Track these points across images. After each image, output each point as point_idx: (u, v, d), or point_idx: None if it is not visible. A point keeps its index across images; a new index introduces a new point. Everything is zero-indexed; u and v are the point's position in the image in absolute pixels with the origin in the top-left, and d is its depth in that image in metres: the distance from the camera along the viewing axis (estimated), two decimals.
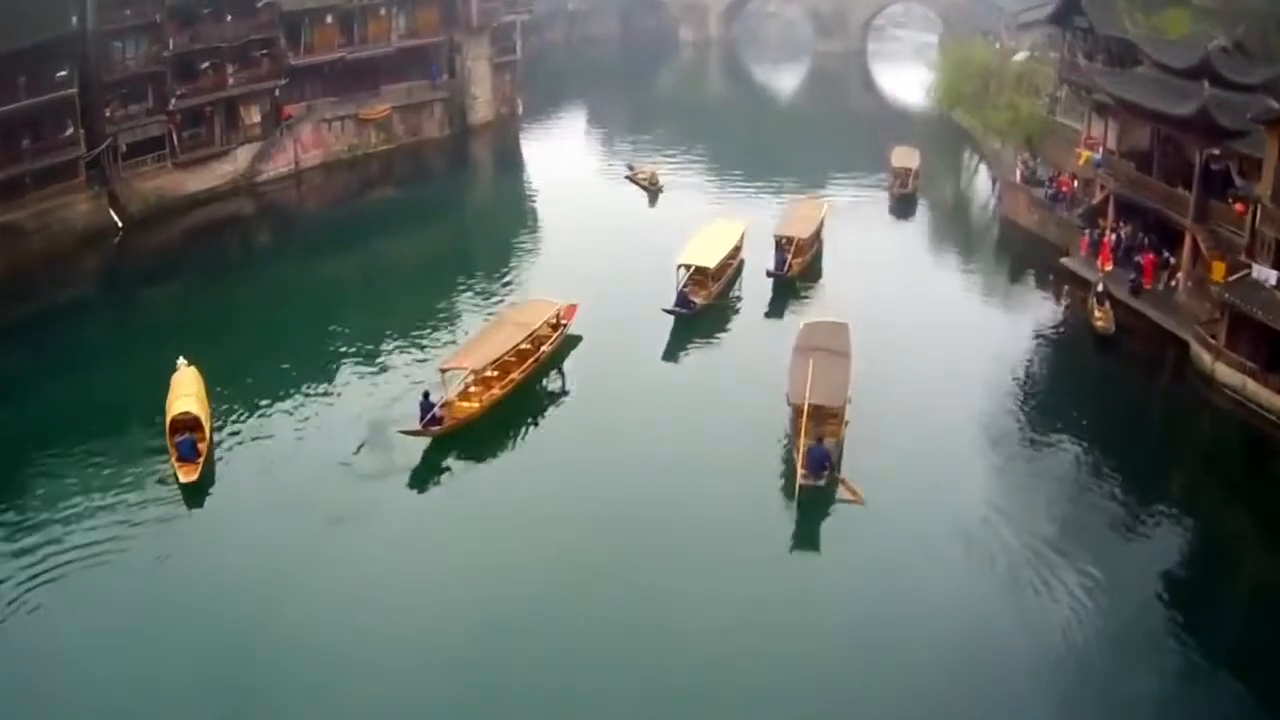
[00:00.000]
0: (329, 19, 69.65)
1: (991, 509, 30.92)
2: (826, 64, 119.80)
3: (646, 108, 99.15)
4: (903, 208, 62.55)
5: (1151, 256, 44.52)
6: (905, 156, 66.26)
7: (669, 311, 43.43)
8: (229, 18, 63.86)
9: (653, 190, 64.84)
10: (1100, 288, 43.94)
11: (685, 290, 44.98)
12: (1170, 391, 40.41)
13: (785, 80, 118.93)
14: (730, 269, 48.95)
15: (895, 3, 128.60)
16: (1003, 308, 48.30)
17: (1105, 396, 39.53)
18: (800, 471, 30.69)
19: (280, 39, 66.71)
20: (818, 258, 52.49)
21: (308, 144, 68.61)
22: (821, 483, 30.84)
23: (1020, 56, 76.47)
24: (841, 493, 31.47)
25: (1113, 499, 32.11)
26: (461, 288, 49.77)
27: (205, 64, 63.04)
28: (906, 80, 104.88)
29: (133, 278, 54.85)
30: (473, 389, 36.99)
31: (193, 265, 55.77)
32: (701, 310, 44.78)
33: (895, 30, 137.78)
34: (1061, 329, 45.94)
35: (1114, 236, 47.01)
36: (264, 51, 66.05)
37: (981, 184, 69.97)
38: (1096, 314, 42.72)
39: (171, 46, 60.75)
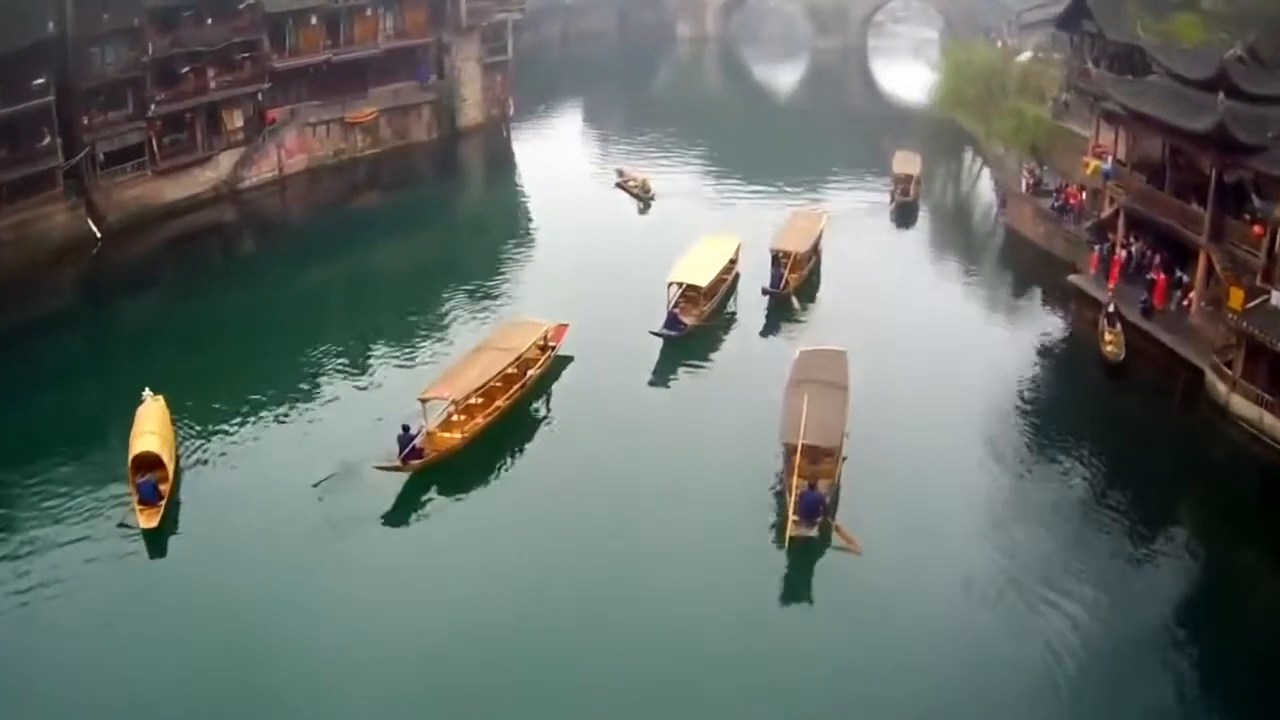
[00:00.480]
0: (313, 20, 67.94)
1: (997, 558, 29.40)
2: (825, 61, 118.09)
3: (642, 107, 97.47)
4: (904, 216, 60.94)
5: (1164, 278, 42.74)
6: (906, 162, 64.74)
7: (657, 334, 41.95)
8: (210, 20, 62.11)
9: (645, 199, 63.02)
10: (1111, 308, 42.25)
11: (675, 310, 43.46)
12: (1183, 423, 38.51)
13: (783, 77, 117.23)
14: (724, 285, 47.43)
15: None
16: (1008, 330, 46.30)
17: (1114, 428, 37.75)
18: (792, 518, 29.02)
19: (263, 41, 65.08)
20: (815, 272, 51.05)
21: (292, 149, 67.01)
22: (814, 533, 29.13)
23: (1024, 57, 74.86)
24: (836, 539, 29.84)
25: (1123, 544, 30.55)
26: (446, 304, 48.19)
27: (186, 68, 61.33)
28: (907, 78, 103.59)
29: (108, 292, 53.37)
30: (455, 418, 35.44)
31: (170, 279, 54.43)
32: (693, 331, 43.27)
33: (895, 26, 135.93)
34: (1069, 353, 44.20)
35: (1124, 254, 45.28)
36: (246, 54, 64.42)
37: (984, 191, 68.22)
38: (1106, 338, 41.00)
39: (151, 51, 59.12)
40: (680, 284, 44.56)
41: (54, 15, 54.05)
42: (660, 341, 42.05)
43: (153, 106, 59.60)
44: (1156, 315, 41.81)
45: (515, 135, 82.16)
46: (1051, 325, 47.03)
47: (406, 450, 32.82)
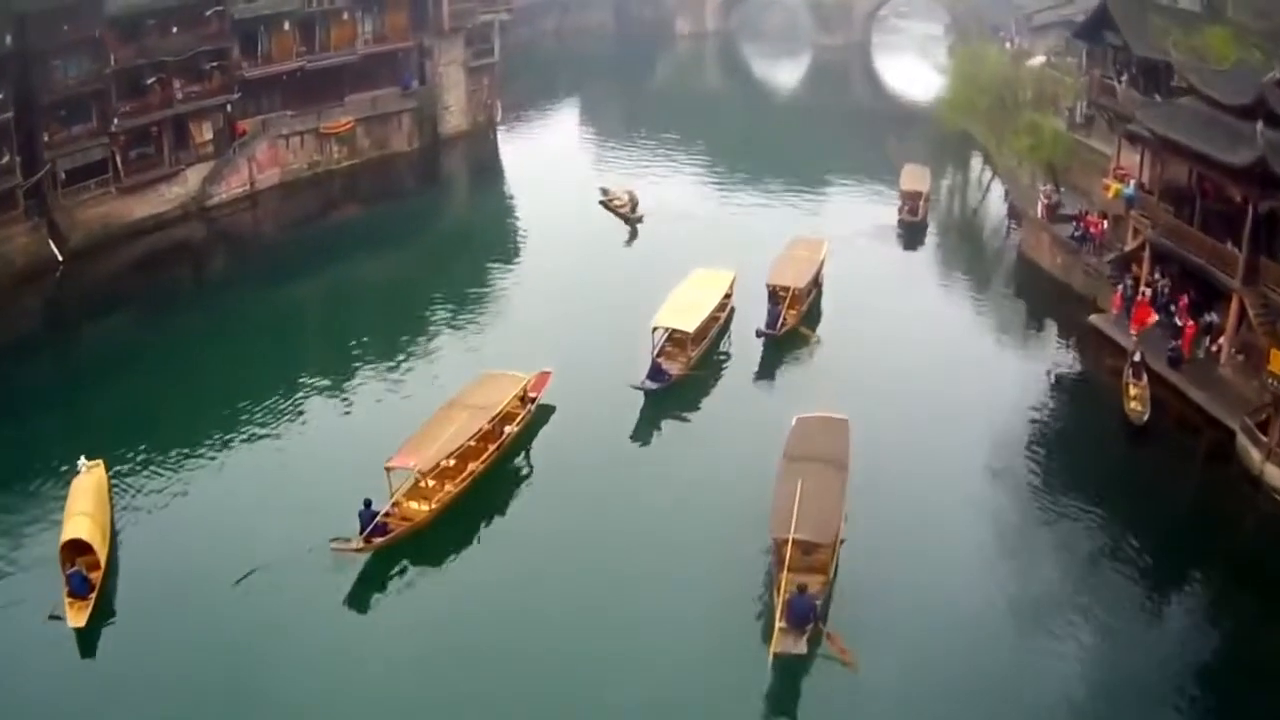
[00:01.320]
0: (286, 25, 65.39)
1: (1010, 666, 26.65)
2: (828, 58, 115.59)
3: (637, 109, 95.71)
4: (911, 237, 58.36)
5: (1193, 325, 40.00)
6: (915, 177, 62.24)
7: (639, 388, 38.95)
8: (175, 29, 59.54)
9: (632, 220, 59.93)
10: (1137, 356, 39.33)
11: (660, 359, 40.65)
12: (1210, 491, 35.52)
13: (785, 76, 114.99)
14: (716, 325, 44.67)
15: None
16: (1022, 381, 42.48)
17: (1137, 498, 34.59)
18: (779, 625, 25.85)
19: (233, 49, 62.59)
20: (816, 306, 48.47)
21: (263, 162, 64.49)
22: (802, 649, 25.77)
23: (1036, 61, 72.39)
24: (828, 647, 26.65)
25: (1149, 651, 27.55)
26: (420, 343, 45.43)
27: (151, 79, 58.79)
28: (913, 79, 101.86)
29: (67, 321, 51.21)
30: (424, 485, 32.83)
31: (132, 307, 51.96)
32: (680, 380, 40.42)
33: (898, 21, 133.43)
34: (1089, 409, 40.90)
35: (1149, 292, 42.51)
36: (215, 63, 61.96)
37: (996, 208, 65.50)
38: (1131, 393, 38.05)
39: (114, 62, 56.52)
40: (666, 329, 41.89)
41: (10, 27, 51.57)
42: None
43: (116, 121, 57.10)
44: (1184, 365, 39.00)
45: (503, 141, 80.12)
46: (1070, 373, 44.02)
47: (369, 528, 30.29)
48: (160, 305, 51.66)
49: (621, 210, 60.76)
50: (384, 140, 70.99)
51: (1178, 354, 39.07)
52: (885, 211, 61.18)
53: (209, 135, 62.44)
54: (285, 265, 56.53)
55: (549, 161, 75.53)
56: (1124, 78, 52.83)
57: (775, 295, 45.32)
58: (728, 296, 45.80)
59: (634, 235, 58.95)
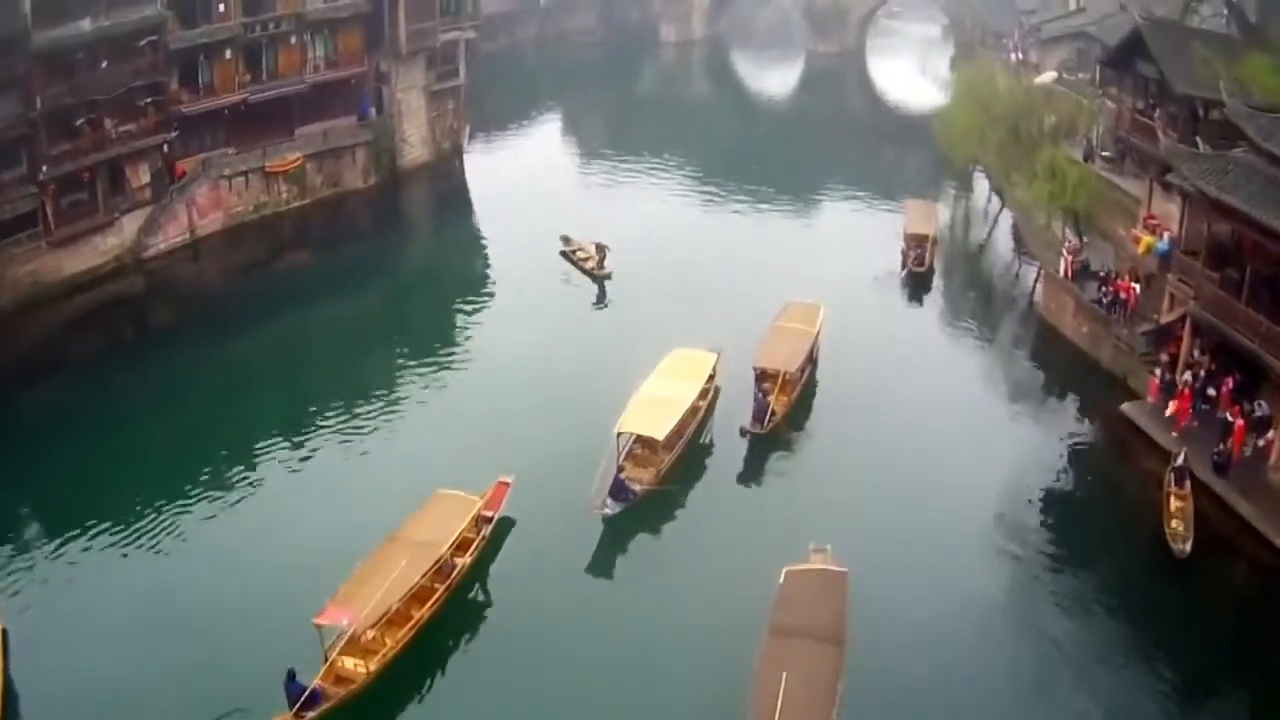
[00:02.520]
0: (228, 54, 61.68)
1: None
2: (822, 66, 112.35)
3: (618, 130, 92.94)
4: (916, 289, 54.95)
5: (1242, 423, 36.16)
6: (920, 218, 59.19)
7: (598, 512, 34.79)
8: (106, 62, 55.77)
9: (599, 276, 55.69)
10: (1180, 459, 35.49)
11: (624, 473, 36.37)
12: (1270, 635, 31.27)
13: (776, 88, 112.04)
14: (694, 421, 40.53)
15: None
16: (1045, 491, 38.09)
17: (1179, 651, 30.63)
18: None
19: (170, 82, 58.91)
20: (810, 388, 44.69)
21: (204, 206, 60.94)
22: None
23: (1047, 77, 69.19)
24: None
25: None
26: (361, 443, 40.96)
27: (81, 119, 55.09)
28: (912, 89, 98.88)
29: None
30: (365, 638, 29.15)
31: (63, 370, 48.67)
32: (647, 496, 36.24)
33: (890, 22, 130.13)
34: (1122, 529, 36.31)
35: (1190, 378, 38.65)
36: (150, 99, 58.23)
37: (1006, 248, 62.06)
38: (1172, 508, 34.10)
39: (40, 104, 52.82)
40: (631, 434, 37.83)
41: None
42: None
43: (45, 168, 53.50)
44: (1233, 470, 35.10)
45: (472, 169, 76.79)
46: (1099, 477, 39.68)
47: (299, 702, 26.70)
48: (91, 371, 48.50)
49: (587, 265, 56.67)
50: (336, 177, 67.38)
51: (1225, 458, 35.15)
52: (887, 256, 57.69)
53: (146, 178, 58.97)
54: (221, 329, 52.39)
55: (521, 192, 71.30)
56: (1158, 113, 49.10)
57: (764, 380, 41.73)
58: (710, 379, 42.07)
59: (603, 294, 54.89)
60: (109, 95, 55.82)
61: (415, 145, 72.29)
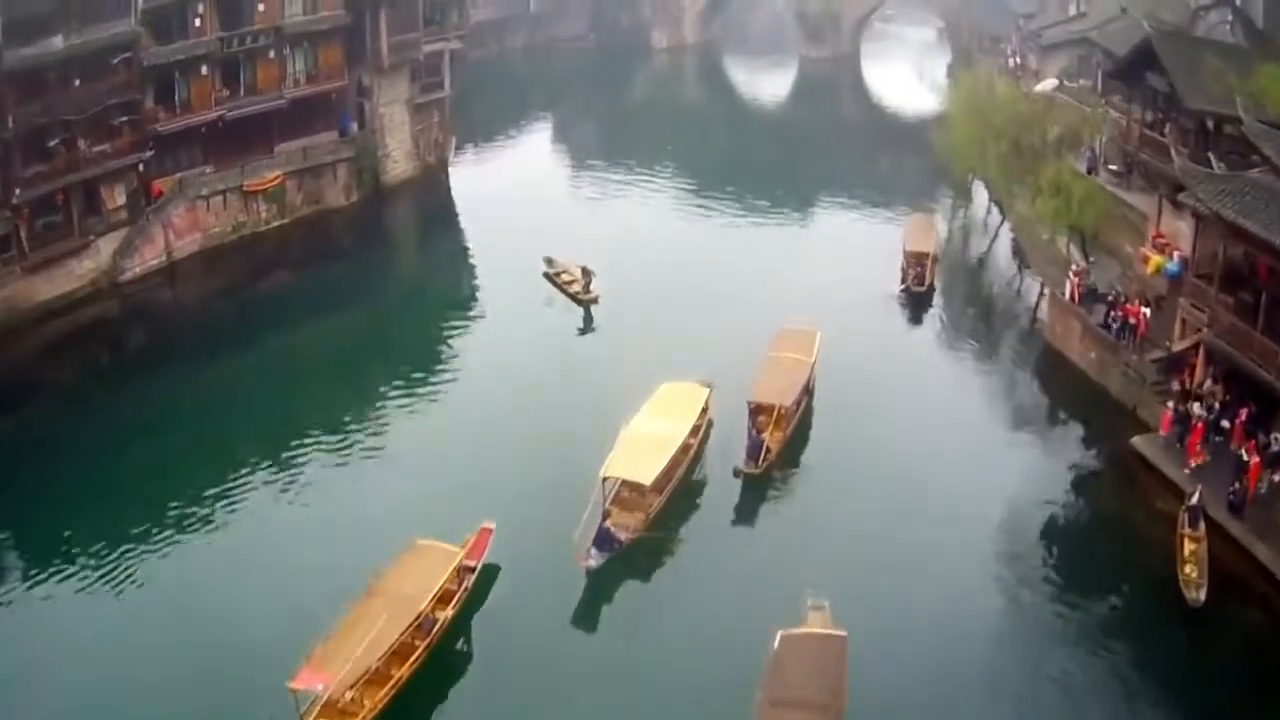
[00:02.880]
0: (204, 69, 60.50)
1: None
2: (816, 72, 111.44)
3: (609, 139, 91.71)
4: (915, 310, 53.90)
5: (1258, 460, 34.80)
6: (920, 234, 58.28)
7: (583, 564, 33.65)
8: (79, 80, 54.62)
9: (584, 301, 54.26)
10: (1195, 499, 34.15)
11: (609, 521, 35.22)
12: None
13: (769, 93, 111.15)
14: (684, 462, 39.06)
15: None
16: (1051, 531, 36.85)
17: (1195, 708, 29.47)
18: None
19: (144, 100, 57.79)
20: (807, 420, 43.36)
21: (181, 228, 59.96)
22: None
23: (1048, 85, 68.17)
24: None
25: None
26: (339, 486, 39.56)
27: (55, 140, 54.11)
28: (908, 95, 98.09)
29: None
30: (342, 701, 27.88)
31: (32, 407, 47.34)
32: (635, 543, 35.09)
33: (884, 26, 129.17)
34: (1133, 574, 34.82)
35: (1200, 410, 37.32)
36: (125, 117, 57.21)
37: (1009, 267, 61.01)
38: (1186, 552, 32.86)
39: (11, 124, 51.91)
40: (617, 479, 36.51)
41: None
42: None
43: (19, 191, 52.58)
44: (1249, 510, 33.76)
45: (458, 183, 75.69)
46: (1109, 518, 38.19)
47: None
48: (64, 398, 47.83)
49: (572, 289, 55.28)
50: (317, 195, 66.33)
51: (1240, 497, 33.82)
52: (885, 272, 56.50)
53: (121, 199, 58.15)
54: (198, 355, 51.28)
55: (508, 207, 69.91)
56: (1169, 127, 47.75)
57: (758, 414, 40.41)
58: (703, 414, 40.80)
59: (589, 319, 53.54)
60: (83, 114, 54.88)
61: (399, 160, 71.22)
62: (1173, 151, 43.29)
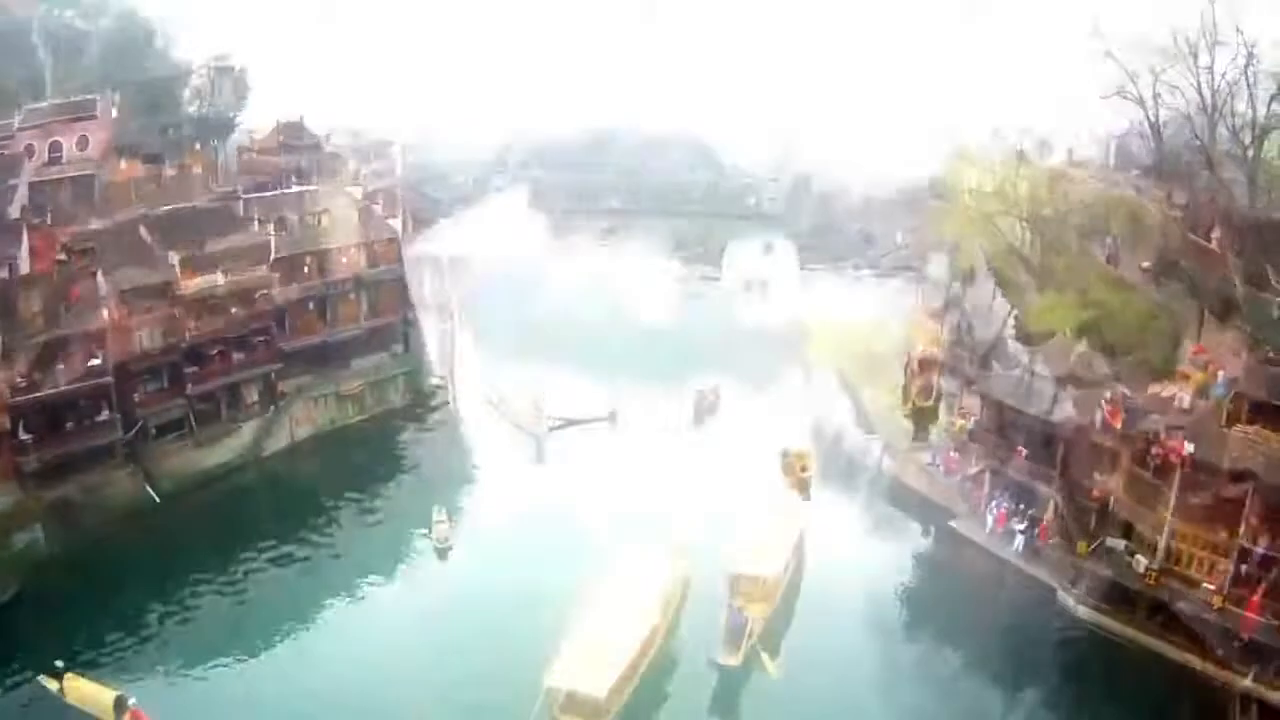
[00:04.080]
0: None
1: None
2: None
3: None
4: (920, 428, 59.73)
5: None
6: (926, 336, 56.05)
7: None
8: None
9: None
10: None
11: None
12: None
13: None
14: (648, 656, 35.45)
15: None
16: None
17: None
18: None
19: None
20: (794, 597, 40.79)
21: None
22: None
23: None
24: None
25: None
26: None
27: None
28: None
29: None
30: None
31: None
32: None
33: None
34: None
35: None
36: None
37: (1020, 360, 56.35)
38: None
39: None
40: (561, 691, 32.95)
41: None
42: None
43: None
44: None
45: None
46: None
47: None
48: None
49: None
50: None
51: None
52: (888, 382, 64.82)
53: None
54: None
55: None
56: (1217, 234, 44.62)
57: (737, 593, 37.09)
58: (680, 583, 37.21)
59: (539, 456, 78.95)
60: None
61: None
62: (1228, 268, 40.09)
